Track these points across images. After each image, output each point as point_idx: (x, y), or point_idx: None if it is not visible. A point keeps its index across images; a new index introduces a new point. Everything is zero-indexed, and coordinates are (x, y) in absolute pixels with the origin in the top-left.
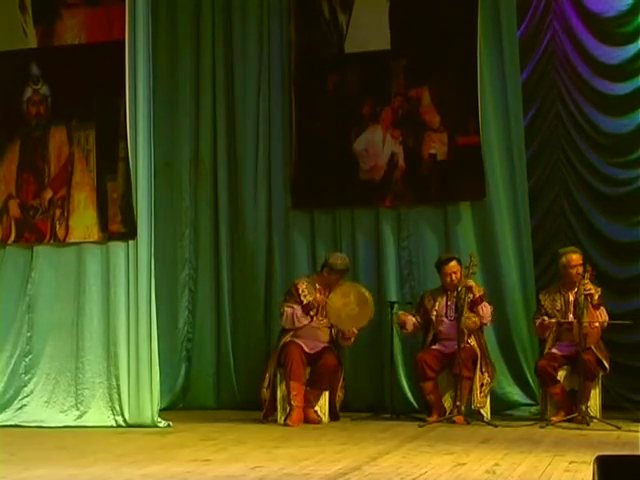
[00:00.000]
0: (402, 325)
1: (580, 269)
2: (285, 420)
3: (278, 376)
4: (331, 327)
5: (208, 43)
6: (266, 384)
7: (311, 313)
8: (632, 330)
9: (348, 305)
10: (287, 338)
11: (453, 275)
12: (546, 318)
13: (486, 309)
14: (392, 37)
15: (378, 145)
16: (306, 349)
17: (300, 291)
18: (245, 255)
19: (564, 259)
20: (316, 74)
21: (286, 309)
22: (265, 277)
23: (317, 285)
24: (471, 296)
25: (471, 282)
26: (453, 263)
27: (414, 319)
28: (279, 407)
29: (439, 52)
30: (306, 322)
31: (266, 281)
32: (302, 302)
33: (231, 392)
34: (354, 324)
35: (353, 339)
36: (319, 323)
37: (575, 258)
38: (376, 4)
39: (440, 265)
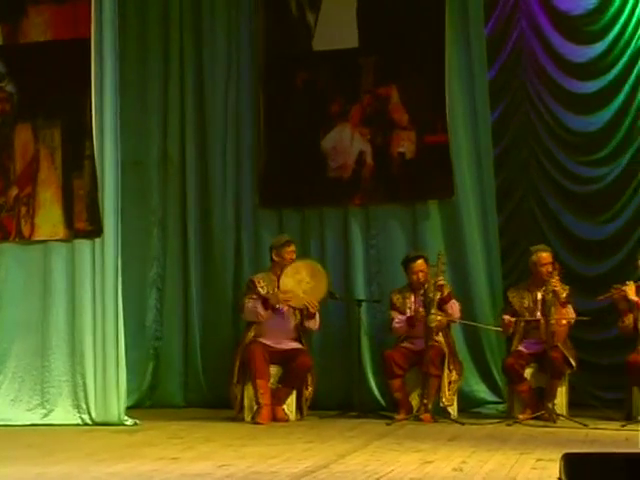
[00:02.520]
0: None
1: (550, 267)
2: (253, 418)
3: (243, 375)
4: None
5: (176, 41)
6: (235, 381)
7: (279, 306)
8: (599, 328)
9: (302, 281)
10: (251, 335)
11: (420, 274)
12: (507, 317)
13: (455, 307)
14: (360, 35)
15: (346, 143)
16: (275, 345)
17: (257, 282)
18: (213, 253)
19: (534, 257)
20: (284, 72)
21: (246, 302)
22: (233, 276)
23: (273, 276)
24: (439, 294)
25: (442, 280)
26: (420, 262)
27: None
28: (246, 405)
29: (407, 50)
30: (267, 315)
31: (234, 279)
32: (260, 294)
33: (199, 390)
34: (313, 297)
35: (318, 317)
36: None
37: (545, 256)
38: (344, 2)
39: (407, 263)
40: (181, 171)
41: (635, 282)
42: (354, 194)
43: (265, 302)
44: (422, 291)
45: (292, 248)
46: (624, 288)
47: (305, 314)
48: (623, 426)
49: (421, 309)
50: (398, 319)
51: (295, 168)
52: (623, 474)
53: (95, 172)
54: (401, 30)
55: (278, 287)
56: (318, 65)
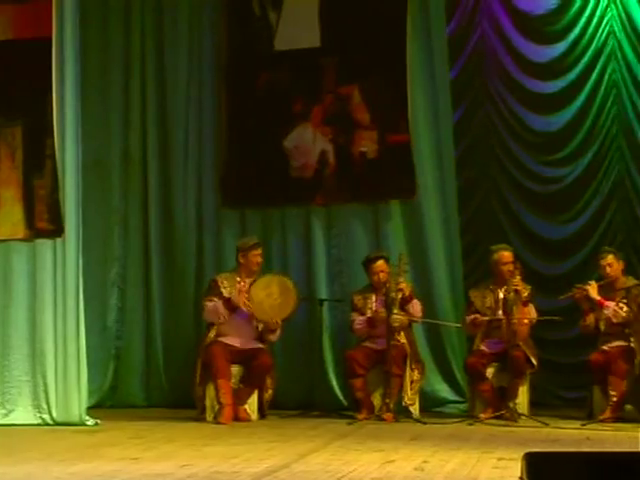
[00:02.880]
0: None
1: (511, 267)
2: (215, 418)
3: (205, 375)
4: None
5: (138, 41)
6: (197, 382)
7: (241, 304)
8: (560, 327)
9: (271, 296)
10: (212, 336)
11: (381, 274)
12: (478, 316)
13: (417, 307)
14: (322, 35)
15: (308, 143)
16: (236, 345)
17: (219, 283)
18: (175, 253)
19: (496, 256)
20: (247, 72)
21: (207, 303)
22: (195, 275)
23: (237, 278)
24: (401, 294)
25: (402, 281)
26: (380, 262)
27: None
28: (208, 405)
29: (369, 50)
30: (228, 317)
31: (196, 279)
32: (222, 294)
33: (160, 390)
34: (277, 315)
35: (278, 332)
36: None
37: (507, 255)
38: (306, 1)
39: (367, 264)
40: (142, 171)
41: (597, 282)
42: (316, 194)
43: (227, 302)
44: (384, 291)
45: (259, 251)
46: (586, 287)
47: (266, 328)
48: (584, 425)
49: (381, 309)
50: (359, 320)
51: (257, 168)
52: (584, 473)
53: (56, 171)
54: (363, 30)
55: (248, 292)
56: (280, 65)
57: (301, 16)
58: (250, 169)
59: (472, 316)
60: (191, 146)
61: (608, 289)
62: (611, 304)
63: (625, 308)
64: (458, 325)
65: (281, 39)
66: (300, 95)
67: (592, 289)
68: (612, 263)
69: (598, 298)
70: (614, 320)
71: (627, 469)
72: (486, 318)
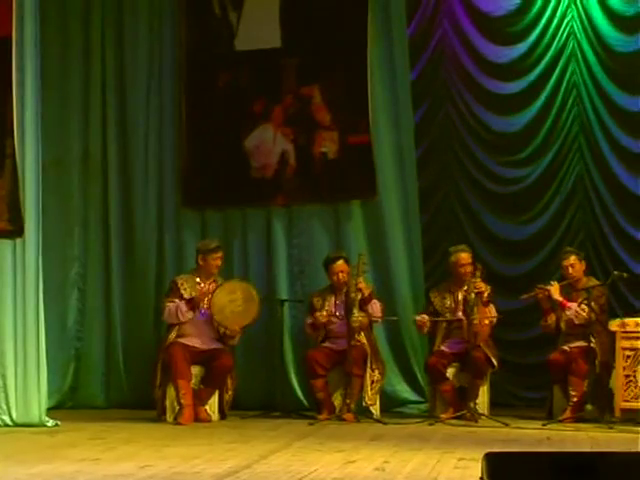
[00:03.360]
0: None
1: (469, 268)
2: (176, 419)
3: (165, 376)
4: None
5: (98, 39)
6: (157, 383)
7: (202, 305)
8: (521, 328)
9: (234, 302)
10: (172, 337)
11: (340, 274)
12: (424, 316)
13: (376, 307)
14: (283, 35)
15: (269, 143)
16: (196, 345)
17: (179, 285)
18: (135, 253)
19: (453, 258)
20: (207, 72)
21: (168, 304)
22: (155, 276)
23: (197, 279)
24: (360, 294)
25: (361, 281)
26: (340, 262)
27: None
28: (168, 406)
29: (330, 50)
30: (190, 316)
31: (156, 279)
32: (182, 296)
33: (120, 391)
34: (238, 321)
35: (237, 338)
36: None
37: (464, 257)
38: (267, 2)
39: (327, 264)
40: (103, 170)
41: (559, 282)
42: (277, 194)
43: (189, 302)
44: (344, 291)
45: (219, 255)
46: (548, 288)
47: (222, 333)
48: (544, 425)
49: (322, 314)
50: (307, 323)
51: (217, 168)
52: (545, 473)
53: (16, 171)
54: (324, 30)
55: (211, 295)
56: (240, 65)
57: (262, 16)
58: (210, 169)
59: (418, 316)
60: (151, 146)
61: (569, 289)
62: (573, 305)
63: (587, 309)
64: (393, 318)
65: (241, 39)
66: (261, 95)
67: (554, 289)
68: (574, 264)
69: (560, 299)
70: (576, 321)
71: (587, 469)
72: (427, 319)
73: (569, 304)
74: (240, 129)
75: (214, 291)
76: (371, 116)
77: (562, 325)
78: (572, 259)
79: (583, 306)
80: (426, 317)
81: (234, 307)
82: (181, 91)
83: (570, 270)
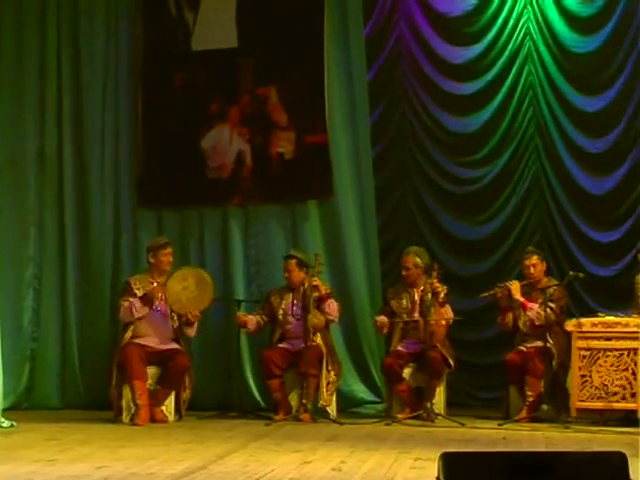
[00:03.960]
0: (243, 325)
1: (412, 270)
2: (132, 419)
3: (121, 377)
4: (174, 316)
5: (54, 39)
6: (113, 383)
7: (156, 301)
8: (477, 328)
9: (187, 288)
10: (127, 337)
11: (286, 274)
12: (379, 318)
13: (333, 306)
14: (239, 35)
15: (225, 143)
16: (152, 346)
17: (133, 285)
18: (92, 254)
19: (401, 260)
20: (163, 72)
21: (122, 303)
22: (111, 276)
23: (150, 278)
24: (317, 294)
25: (317, 281)
26: (289, 262)
27: (256, 318)
28: (124, 407)
29: (286, 51)
30: (144, 312)
31: (112, 280)
32: (136, 295)
33: (76, 392)
34: (195, 306)
35: (196, 325)
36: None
37: (405, 259)
38: (223, 2)
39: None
40: (58, 170)
41: (520, 281)
42: (233, 194)
43: (143, 298)
44: (301, 291)
45: (169, 250)
46: (508, 286)
47: (184, 321)
48: (500, 425)
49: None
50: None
51: (174, 168)
52: (501, 473)
53: None
54: (280, 31)
55: (164, 287)
56: (197, 65)
57: (218, 16)
58: (167, 169)
59: (377, 317)
60: (108, 146)
61: (529, 289)
62: (534, 306)
63: (548, 310)
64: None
65: (198, 39)
66: (217, 95)
67: (515, 288)
68: (537, 264)
69: (521, 299)
70: (537, 322)
71: (543, 469)
72: (387, 321)
73: (530, 304)
74: (196, 129)
75: (165, 282)
76: (328, 116)
77: (520, 325)
78: (534, 259)
79: (545, 307)
80: (386, 319)
81: (188, 293)
82: (137, 91)
83: (532, 270)
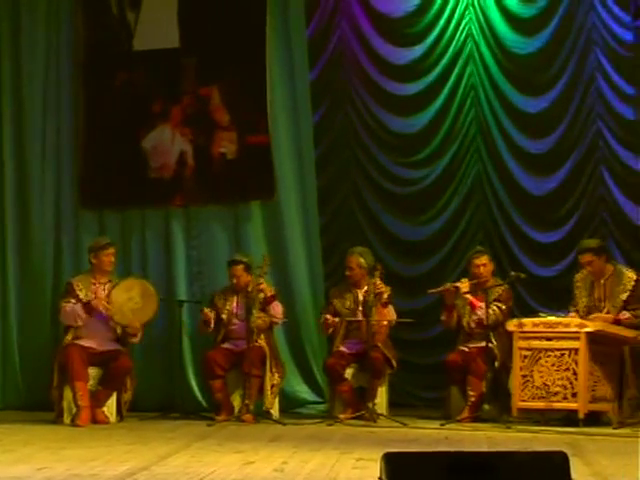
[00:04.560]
0: (208, 323)
1: (356, 271)
2: (73, 420)
3: (62, 377)
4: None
5: None
6: (54, 385)
7: (103, 309)
8: (419, 328)
9: (132, 299)
10: (69, 338)
11: (234, 279)
12: (329, 316)
13: (278, 309)
14: (181, 35)
15: (167, 143)
16: (94, 347)
17: (75, 286)
18: (32, 254)
19: (345, 259)
20: (105, 71)
21: (64, 305)
22: (53, 277)
23: (92, 279)
24: (262, 296)
25: (262, 282)
26: (237, 267)
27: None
28: (65, 408)
29: (228, 51)
30: (85, 320)
31: (54, 280)
32: (79, 297)
33: (17, 393)
34: (137, 318)
35: (139, 335)
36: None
37: (349, 259)
38: (165, 1)
39: (228, 267)
40: None
41: (470, 280)
42: (175, 195)
43: (86, 306)
44: (245, 293)
45: (111, 251)
46: (458, 285)
47: (125, 332)
48: (442, 425)
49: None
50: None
51: (115, 168)
52: (443, 473)
53: None
54: (222, 31)
55: (108, 295)
56: (138, 65)
57: (160, 16)
58: (108, 169)
59: (325, 315)
60: (49, 146)
61: (476, 289)
62: (484, 305)
63: (497, 311)
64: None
65: (140, 39)
66: (159, 95)
67: (464, 286)
68: (486, 264)
69: (471, 298)
70: (485, 322)
71: (485, 469)
72: (337, 319)
73: (479, 304)
74: (138, 129)
75: (110, 291)
76: (270, 116)
77: (464, 324)
78: (484, 258)
79: (494, 307)
80: (336, 318)
81: (132, 305)
82: (79, 90)
83: (482, 269)
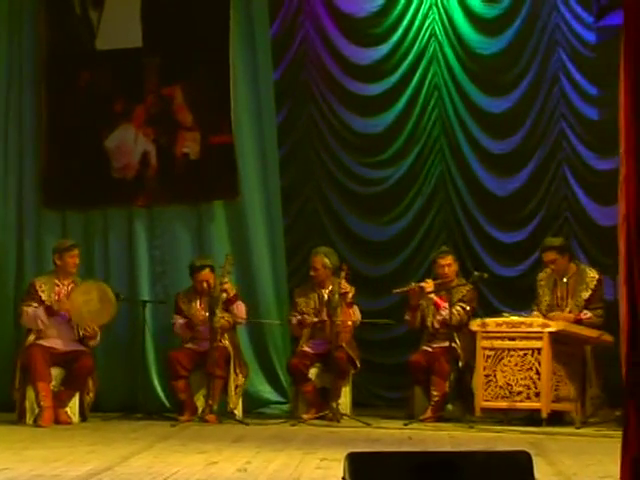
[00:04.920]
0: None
1: (321, 271)
2: (35, 421)
3: (24, 378)
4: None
5: None
6: (17, 385)
7: (65, 311)
8: (383, 328)
9: (90, 302)
10: (31, 339)
11: (204, 283)
12: (306, 317)
13: (241, 308)
14: (144, 35)
15: (130, 143)
16: (56, 347)
17: (38, 287)
18: None
19: (310, 259)
20: (67, 71)
21: (25, 309)
22: (15, 277)
23: (56, 280)
24: (225, 296)
25: (225, 282)
26: (205, 271)
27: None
28: (28, 408)
29: (192, 50)
30: (48, 324)
31: (16, 280)
32: (41, 299)
33: None
34: (95, 321)
35: (98, 337)
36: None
37: (314, 259)
38: (128, 1)
39: (192, 271)
40: None
41: (434, 280)
42: (138, 195)
43: (48, 309)
44: (208, 292)
45: (75, 252)
46: (423, 285)
47: (82, 334)
48: (406, 425)
49: (200, 311)
50: (179, 324)
51: (78, 169)
52: (406, 472)
53: None
54: (186, 30)
55: (68, 296)
56: (101, 64)
57: (123, 16)
58: (71, 169)
59: (299, 317)
60: (11, 146)
61: (441, 289)
62: (447, 305)
63: (461, 311)
64: (277, 322)
65: (102, 38)
66: (122, 95)
67: (428, 286)
68: (451, 264)
69: (435, 298)
70: (449, 322)
71: (448, 468)
72: (316, 319)
73: (444, 304)
74: (101, 129)
75: (69, 293)
76: (233, 116)
77: (428, 324)
78: (449, 259)
79: (458, 307)
80: (302, 318)
81: (90, 307)
82: (41, 90)
83: (446, 269)
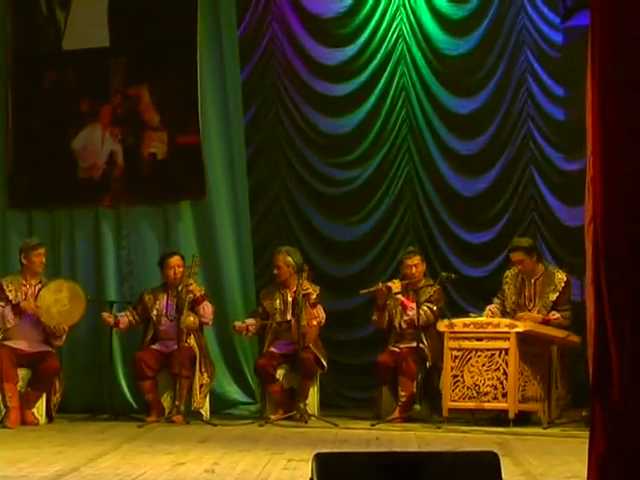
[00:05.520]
0: (115, 325)
1: (284, 269)
2: (2, 422)
3: None
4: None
5: None
6: None
7: (32, 311)
8: (350, 328)
9: (60, 301)
10: None
11: (177, 268)
12: (237, 323)
13: (207, 308)
14: (111, 35)
15: (97, 143)
16: (23, 348)
17: (5, 287)
18: None
19: (273, 258)
20: (33, 71)
21: None
22: None
23: (23, 280)
24: (192, 296)
25: (191, 282)
26: (176, 257)
27: (128, 317)
28: None
29: (159, 50)
30: (15, 322)
31: None
32: (8, 298)
33: None
34: (65, 321)
35: (64, 337)
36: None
37: (276, 258)
38: (95, 1)
39: (163, 260)
40: None
41: (401, 280)
42: (104, 195)
43: (15, 308)
44: (175, 292)
45: (41, 251)
46: (390, 285)
47: (48, 332)
48: (373, 425)
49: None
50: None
51: (45, 169)
52: (373, 473)
53: None
54: (153, 30)
55: (37, 296)
56: (67, 64)
57: (90, 16)
58: (37, 170)
59: (235, 323)
60: None
61: (409, 289)
62: (415, 306)
63: (428, 311)
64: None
65: (69, 38)
66: (88, 95)
67: (395, 287)
68: (418, 264)
69: (403, 299)
70: (416, 323)
71: (415, 469)
72: (258, 323)
73: (411, 304)
74: (67, 129)
75: (39, 291)
76: (201, 116)
77: (396, 324)
78: (416, 259)
79: (425, 308)
80: (248, 322)
81: (60, 307)
82: (7, 90)
83: (414, 270)
